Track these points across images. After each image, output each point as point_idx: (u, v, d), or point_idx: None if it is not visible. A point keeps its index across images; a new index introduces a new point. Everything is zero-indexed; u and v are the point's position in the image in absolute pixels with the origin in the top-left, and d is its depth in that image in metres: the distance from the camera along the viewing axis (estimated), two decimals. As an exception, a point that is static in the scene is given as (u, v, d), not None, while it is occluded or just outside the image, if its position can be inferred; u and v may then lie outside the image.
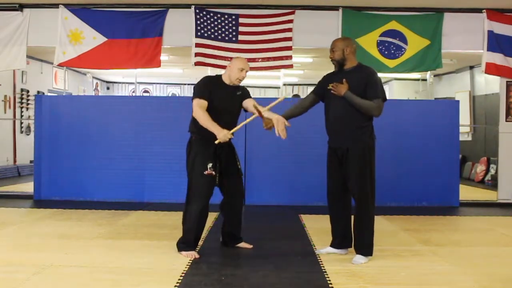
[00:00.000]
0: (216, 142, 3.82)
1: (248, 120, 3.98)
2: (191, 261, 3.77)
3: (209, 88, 3.98)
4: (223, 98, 4.00)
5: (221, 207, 4.23)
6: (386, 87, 12.30)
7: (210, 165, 3.90)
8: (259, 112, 3.85)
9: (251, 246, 4.26)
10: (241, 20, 6.95)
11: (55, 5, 6.93)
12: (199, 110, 3.89)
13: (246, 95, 4.16)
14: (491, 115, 9.42)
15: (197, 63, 6.92)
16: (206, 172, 3.89)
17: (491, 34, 6.89)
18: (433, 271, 3.61)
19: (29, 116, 10.52)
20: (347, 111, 3.82)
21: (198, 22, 6.89)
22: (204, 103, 3.92)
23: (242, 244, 4.28)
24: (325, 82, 3.99)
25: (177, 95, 14.58)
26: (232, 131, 3.89)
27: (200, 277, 3.37)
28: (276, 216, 6.02)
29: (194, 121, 4.03)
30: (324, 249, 4.11)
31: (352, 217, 3.93)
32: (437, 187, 6.81)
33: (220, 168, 4.03)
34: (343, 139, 3.86)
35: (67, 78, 9.60)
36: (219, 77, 4.16)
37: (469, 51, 7.34)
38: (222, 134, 3.79)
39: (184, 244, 3.99)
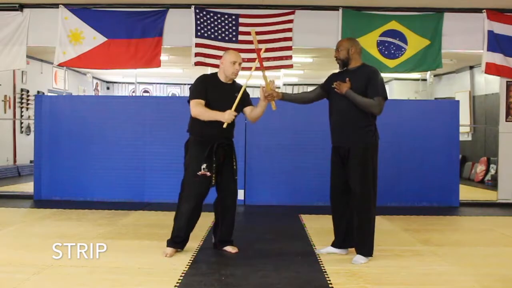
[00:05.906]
0: (224, 126, 3.82)
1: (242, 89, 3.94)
2: (191, 261, 3.77)
3: (204, 87, 3.95)
4: (220, 96, 3.96)
5: (214, 205, 4.16)
6: (386, 87, 12.26)
7: (204, 166, 3.87)
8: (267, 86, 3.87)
9: (236, 251, 4.06)
10: (241, 20, 6.95)
11: (55, 5, 6.93)
12: (197, 107, 3.88)
13: (246, 99, 4.04)
14: (491, 115, 9.42)
15: (197, 63, 6.92)
16: (199, 173, 3.87)
17: (491, 34, 6.89)
18: (433, 271, 3.61)
19: (29, 116, 10.51)
20: (349, 110, 3.83)
21: (198, 22, 6.89)
22: (201, 101, 3.90)
23: (228, 248, 4.09)
24: (331, 81, 4.00)
25: (177, 95, 14.57)
26: (233, 107, 3.84)
27: (200, 277, 3.37)
28: (276, 216, 6.02)
29: (191, 122, 4.03)
30: (324, 249, 4.11)
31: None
32: (437, 187, 6.81)
33: (217, 167, 3.97)
34: (345, 138, 3.87)
35: (67, 78, 9.59)
36: (215, 75, 4.10)
37: (469, 51, 7.35)
38: (226, 115, 3.80)
39: (172, 241, 3.98)
